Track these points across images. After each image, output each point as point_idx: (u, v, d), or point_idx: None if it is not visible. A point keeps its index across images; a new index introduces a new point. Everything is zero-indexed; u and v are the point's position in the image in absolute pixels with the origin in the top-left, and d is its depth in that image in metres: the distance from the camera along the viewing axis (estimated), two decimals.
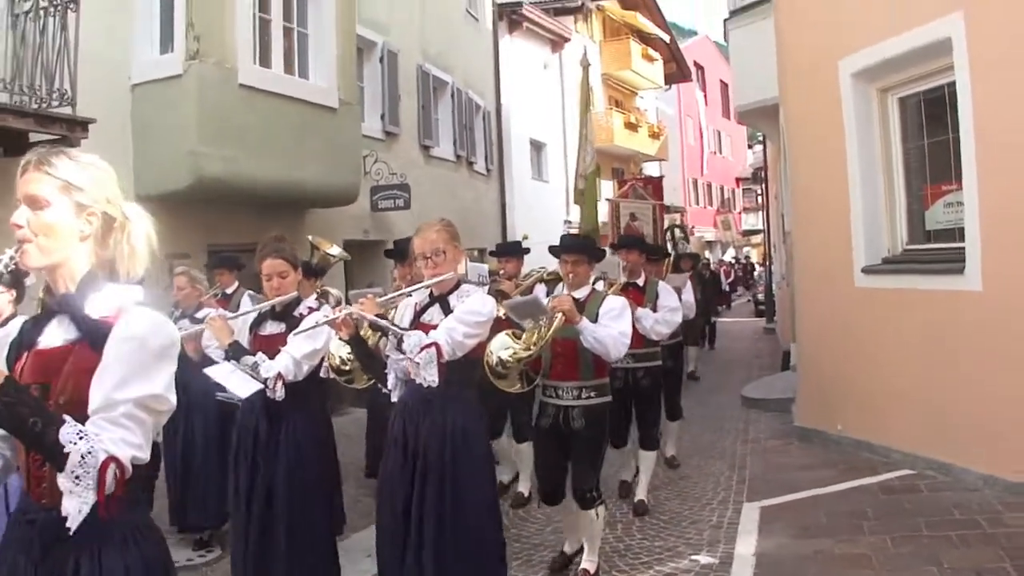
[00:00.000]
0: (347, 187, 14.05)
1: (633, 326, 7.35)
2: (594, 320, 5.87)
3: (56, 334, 2.61)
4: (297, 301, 5.72)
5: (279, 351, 5.35)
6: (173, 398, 2.56)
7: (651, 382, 8.22)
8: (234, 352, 5.35)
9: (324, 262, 8.56)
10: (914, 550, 6.35)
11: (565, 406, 6.05)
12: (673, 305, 8.02)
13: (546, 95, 30.31)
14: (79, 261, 2.62)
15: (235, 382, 5.26)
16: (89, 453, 2.30)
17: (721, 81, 56.60)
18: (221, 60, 11.25)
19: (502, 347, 5.78)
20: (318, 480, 5.55)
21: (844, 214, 9.71)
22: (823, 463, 9.22)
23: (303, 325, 5.30)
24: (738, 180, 61.27)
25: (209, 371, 5.42)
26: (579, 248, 6.35)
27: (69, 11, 9.10)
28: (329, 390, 6.63)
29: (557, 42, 31.18)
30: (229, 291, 8.56)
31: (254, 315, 5.79)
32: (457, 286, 5.15)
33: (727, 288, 40.26)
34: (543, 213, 27.86)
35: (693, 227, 42.65)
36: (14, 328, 2.72)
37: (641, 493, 8.12)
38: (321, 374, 5.88)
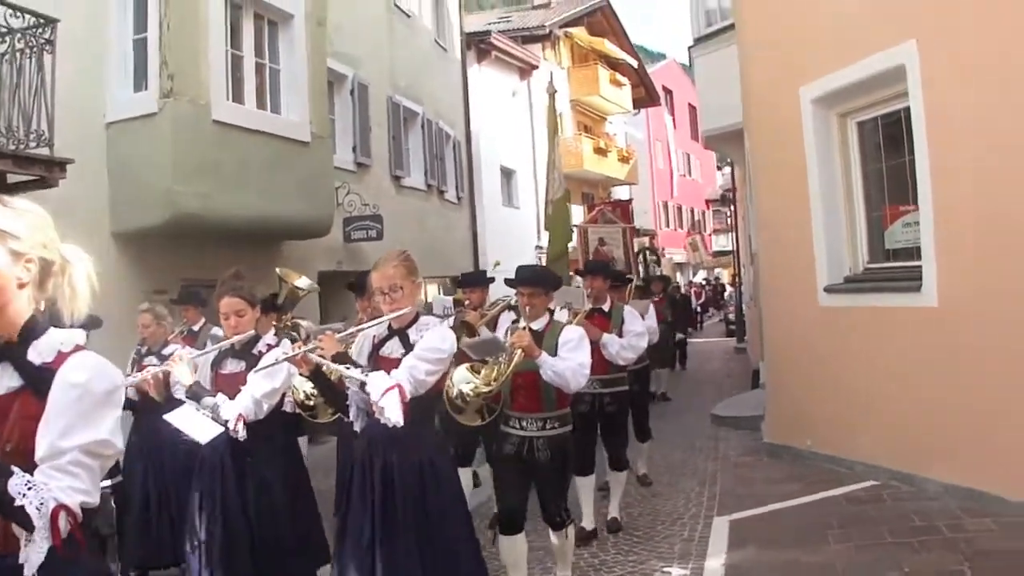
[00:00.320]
0: (320, 219, 14.24)
1: (599, 352, 7.51)
2: (553, 351, 5.81)
3: None
4: (256, 339, 5.66)
5: (240, 390, 5.29)
6: (119, 442, 2.58)
7: (617, 408, 8.29)
8: (194, 393, 5.30)
9: (292, 295, 8.58)
10: (877, 557, 6.58)
11: (529, 437, 5.99)
12: (639, 330, 8.05)
13: (515, 122, 30.59)
14: (19, 308, 2.59)
15: (195, 427, 5.21)
16: (42, 504, 2.33)
17: (689, 104, 56.84)
18: (195, 97, 11.44)
19: (463, 381, 5.81)
20: (285, 515, 5.47)
21: (807, 235, 9.96)
22: (791, 477, 9.44)
23: (262, 363, 5.26)
24: (708, 202, 61.44)
25: (169, 417, 5.34)
26: (534, 280, 6.21)
27: (45, 53, 9.24)
28: (300, 422, 6.66)
29: (525, 69, 31.53)
30: (196, 328, 8.48)
31: (215, 353, 5.72)
32: (416, 319, 5.09)
33: (698, 309, 40.53)
34: (514, 240, 28.09)
35: (663, 249, 42.88)
36: None
37: (614, 511, 8.27)
38: (287, 408, 5.89)
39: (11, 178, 9.08)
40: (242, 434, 5.15)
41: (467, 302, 8.74)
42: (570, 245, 13.43)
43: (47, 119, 9.21)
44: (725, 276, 54.60)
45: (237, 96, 12.58)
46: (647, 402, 10.45)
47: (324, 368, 4.96)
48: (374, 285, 5.01)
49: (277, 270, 9.12)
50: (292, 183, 13.16)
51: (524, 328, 5.91)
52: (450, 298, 9.30)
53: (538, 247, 29.26)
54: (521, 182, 30.99)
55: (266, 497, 5.40)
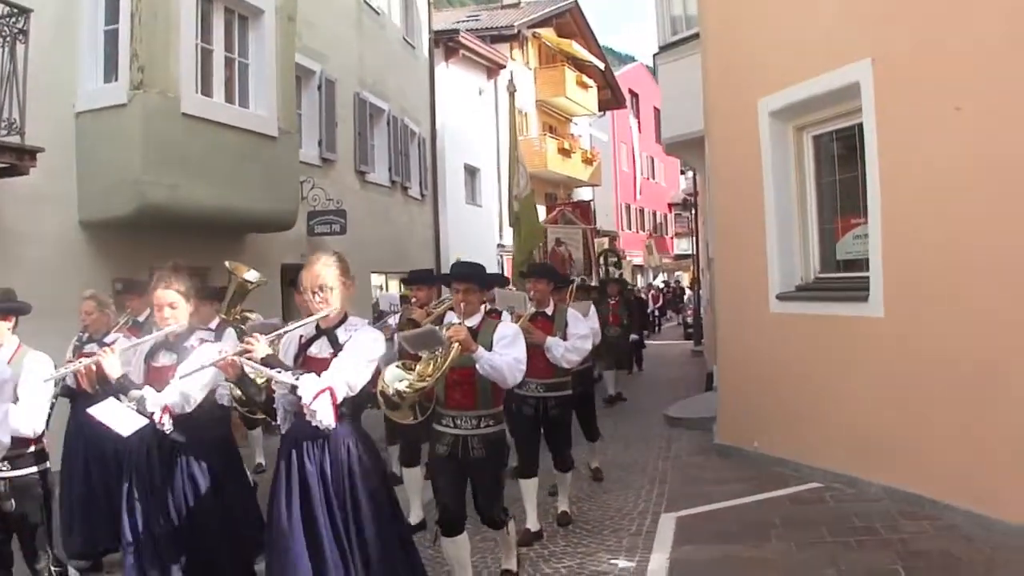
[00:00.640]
0: (285, 213, 14.38)
1: (543, 355, 7.60)
2: (489, 348, 5.81)
3: None
4: (190, 331, 5.62)
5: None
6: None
7: (560, 412, 8.25)
8: (122, 386, 5.22)
9: (241, 288, 8.66)
10: (815, 554, 6.85)
11: (464, 435, 5.96)
12: (583, 332, 7.99)
13: (481, 121, 30.81)
14: None
15: (118, 420, 5.14)
16: None
17: (655, 108, 56.74)
18: (164, 89, 11.55)
19: (396, 379, 5.72)
20: (212, 508, 5.44)
21: (761, 243, 10.20)
22: (739, 477, 9.67)
23: (189, 366, 5.11)
24: (671, 205, 61.71)
25: (93, 410, 5.25)
26: (469, 276, 6.19)
27: (18, 42, 9.35)
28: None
29: (493, 69, 31.71)
30: (141, 319, 7.99)
31: (149, 345, 5.62)
32: (344, 319, 5.00)
33: (656, 312, 40.75)
34: (476, 237, 28.31)
35: (624, 251, 43.08)
36: None
37: (564, 505, 8.41)
38: (224, 402, 5.80)
39: None
40: (168, 427, 5.14)
41: (414, 299, 8.68)
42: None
43: (19, 108, 9.30)
44: (685, 279, 54.90)
45: (206, 89, 12.68)
46: (593, 403, 10.46)
47: (251, 372, 4.89)
48: (303, 284, 4.96)
49: (226, 263, 9.20)
50: (258, 176, 13.31)
51: (460, 324, 5.88)
52: (397, 295, 9.33)
53: (500, 245, 29.49)
54: (485, 181, 31.20)
55: (192, 490, 5.39)
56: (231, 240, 13.85)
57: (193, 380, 5.10)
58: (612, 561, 7.19)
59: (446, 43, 28.25)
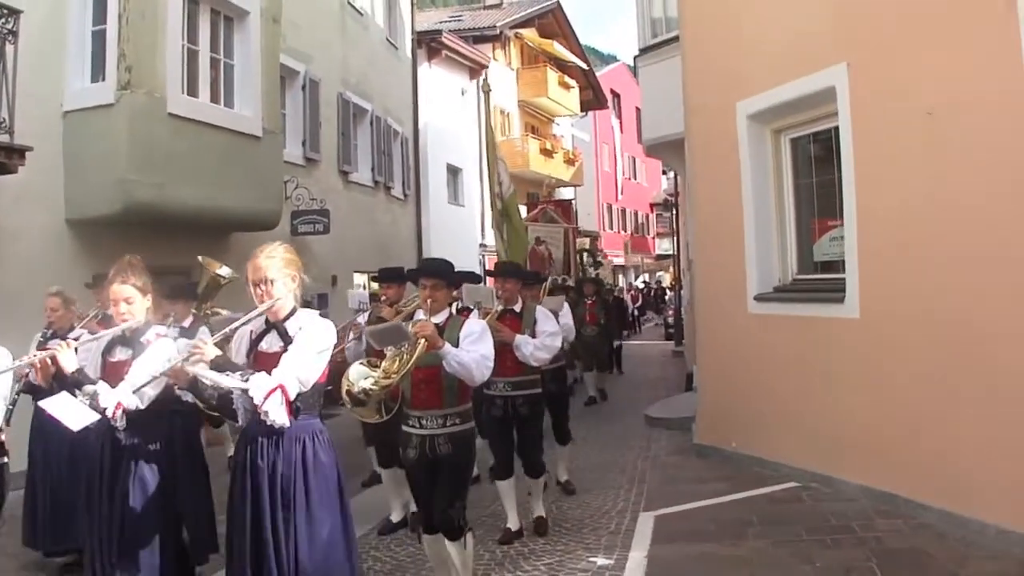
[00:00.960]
0: (269, 212, 14.48)
1: (511, 353, 7.54)
2: (455, 345, 5.74)
3: None
4: (146, 327, 5.48)
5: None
6: None
7: (530, 410, 8.06)
8: (76, 381, 5.12)
9: (214, 283, 8.68)
10: (791, 552, 7.00)
11: (430, 435, 5.89)
12: (552, 330, 7.82)
13: (463, 121, 30.84)
14: None
15: (70, 414, 4.97)
16: None
17: (637, 108, 56.34)
18: (151, 90, 11.65)
19: (361, 377, 5.59)
20: (159, 508, 5.34)
21: (739, 245, 10.33)
22: (717, 477, 9.80)
23: (139, 378, 4.95)
24: (652, 205, 61.63)
25: (44, 404, 5.08)
26: (435, 272, 6.18)
27: (7, 43, 9.43)
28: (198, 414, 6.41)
29: (475, 69, 31.75)
30: (110, 311, 8.05)
31: (107, 340, 5.55)
32: (293, 312, 4.89)
33: (635, 313, 40.79)
34: (459, 237, 28.36)
35: (604, 251, 43.07)
36: None
37: (539, 511, 8.27)
38: (187, 398, 5.60)
39: None
40: (121, 423, 5.05)
41: (383, 297, 8.59)
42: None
43: (8, 107, 9.38)
44: (667, 279, 54.98)
45: (192, 90, 12.79)
46: (566, 403, 10.20)
47: (202, 376, 4.69)
48: (247, 276, 4.84)
49: (199, 258, 9.20)
50: (243, 176, 13.44)
51: (426, 320, 5.85)
52: (366, 292, 9.34)
53: (482, 245, 29.56)
54: (467, 180, 31.26)
55: (140, 492, 5.30)
56: (216, 239, 13.90)
57: (147, 373, 4.92)
58: (591, 559, 7.28)
59: (429, 43, 28.29)
